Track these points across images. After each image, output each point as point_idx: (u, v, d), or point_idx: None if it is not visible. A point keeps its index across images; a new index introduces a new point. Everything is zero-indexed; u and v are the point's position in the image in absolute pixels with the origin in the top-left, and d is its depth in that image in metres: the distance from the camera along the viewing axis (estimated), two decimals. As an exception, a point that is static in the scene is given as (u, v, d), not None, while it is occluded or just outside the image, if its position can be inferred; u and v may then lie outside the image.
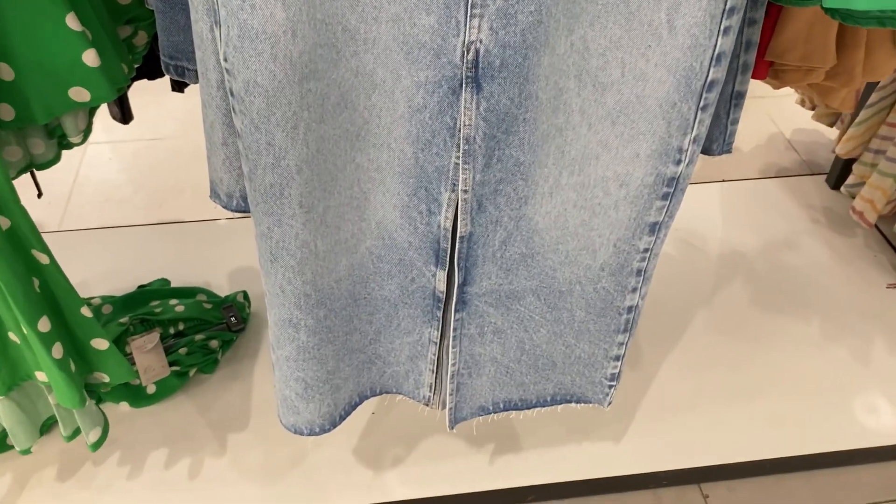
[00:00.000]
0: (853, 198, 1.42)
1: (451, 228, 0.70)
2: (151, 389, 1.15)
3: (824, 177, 1.65)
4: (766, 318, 1.33)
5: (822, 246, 1.47)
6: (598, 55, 0.60)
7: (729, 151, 0.78)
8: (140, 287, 1.34)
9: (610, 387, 0.88)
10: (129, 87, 1.02)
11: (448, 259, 0.73)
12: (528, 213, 0.70)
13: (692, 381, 1.21)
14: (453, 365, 0.82)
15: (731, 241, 1.49)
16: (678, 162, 0.67)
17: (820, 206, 1.57)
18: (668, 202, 0.70)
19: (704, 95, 0.62)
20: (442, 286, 0.76)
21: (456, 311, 0.77)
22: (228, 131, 0.68)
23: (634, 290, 0.78)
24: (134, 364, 1.14)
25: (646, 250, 0.75)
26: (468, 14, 0.56)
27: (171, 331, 1.22)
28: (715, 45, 0.59)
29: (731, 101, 0.74)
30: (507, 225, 0.70)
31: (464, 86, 0.60)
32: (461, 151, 0.63)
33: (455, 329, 0.79)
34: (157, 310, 1.25)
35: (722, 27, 0.58)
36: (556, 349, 0.84)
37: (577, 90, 0.62)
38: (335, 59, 0.59)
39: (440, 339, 0.82)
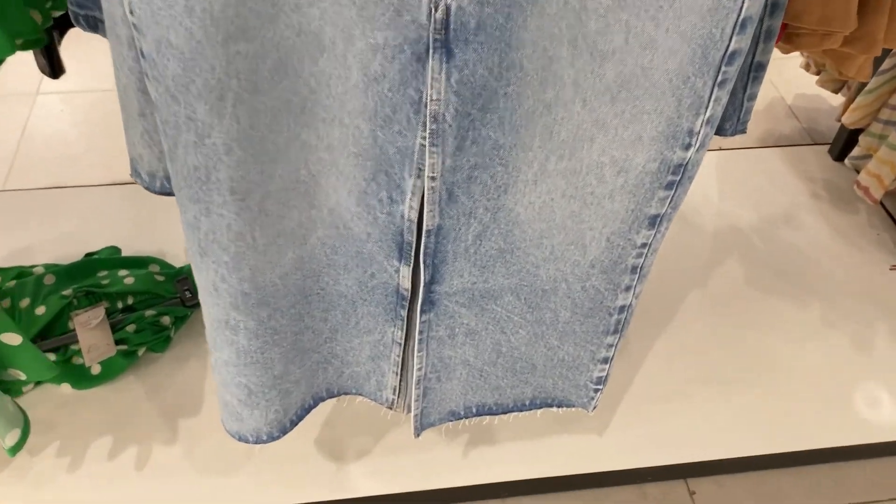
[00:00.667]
0: (858, 171, 1.36)
1: (416, 220, 0.59)
2: (96, 370, 1.07)
3: (827, 147, 1.57)
4: (761, 300, 1.26)
5: (822, 223, 1.40)
6: (597, 17, 0.49)
7: (744, 131, 0.67)
8: (87, 255, 1.25)
9: (596, 390, 0.79)
10: (60, 36, 0.89)
11: (413, 254, 0.62)
12: (508, 203, 0.59)
13: (680, 370, 1.15)
14: (419, 370, 0.72)
15: (725, 215, 1.41)
16: (687, 146, 0.56)
17: (821, 178, 1.50)
18: (672, 192, 0.60)
19: (723, 69, 0.52)
20: (406, 283, 0.65)
21: (422, 311, 0.67)
22: (145, 99, 0.56)
23: (628, 288, 0.68)
24: (76, 342, 1.05)
25: (643, 245, 0.64)
26: None
27: (119, 305, 1.13)
28: (741, 8, 0.48)
29: (750, 73, 0.64)
30: (482, 217, 0.59)
31: (431, 51, 0.48)
32: (428, 131, 0.52)
33: (421, 332, 0.69)
34: (105, 281, 1.17)
35: (751, -14, 0.47)
36: (536, 351, 0.74)
37: (570, 59, 0.51)
38: (271, 14, 0.47)
39: (405, 340, 0.71)
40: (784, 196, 1.45)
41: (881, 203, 1.43)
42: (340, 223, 0.62)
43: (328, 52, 0.50)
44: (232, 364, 0.67)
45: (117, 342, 1.06)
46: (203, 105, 0.49)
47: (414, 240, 0.61)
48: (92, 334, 1.05)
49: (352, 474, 1.00)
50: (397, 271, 0.64)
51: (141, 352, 1.09)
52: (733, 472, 1.08)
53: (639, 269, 0.67)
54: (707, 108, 0.54)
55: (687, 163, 0.57)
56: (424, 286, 0.64)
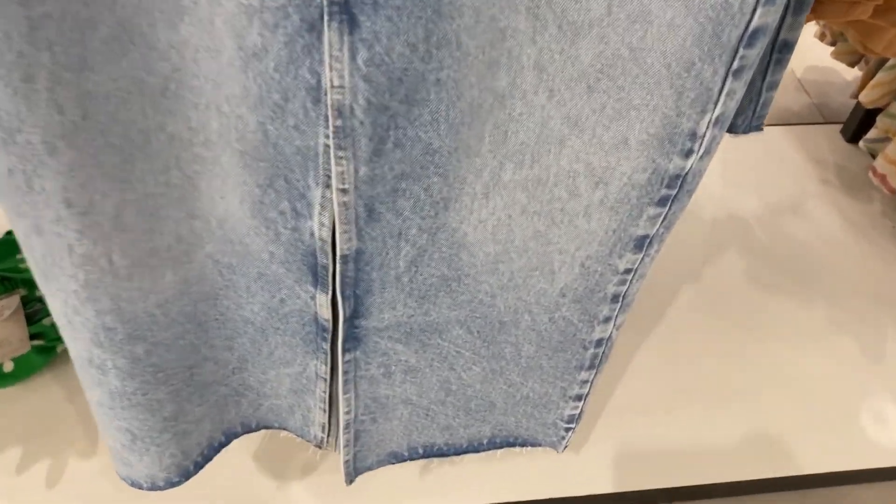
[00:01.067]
0: (873, 156, 1.26)
1: (330, 239, 0.46)
2: (8, 367, 0.97)
3: (839, 127, 1.46)
4: (761, 300, 1.16)
5: (832, 212, 1.30)
6: (568, -26, 0.35)
7: (759, 128, 0.53)
8: (8, 234, 1.12)
9: (567, 429, 0.67)
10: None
11: (330, 279, 0.48)
12: (451, 222, 0.45)
13: (668, 380, 1.05)
14: (347, 413, 0.59)
15: (725, 202, 1.31)
16: (688, 153, 0.43)
17: (832, 162, 1.39)
18: (665, 209, 0.46)
19: (741, 52, 0.38)
20: (326, 313, 0.51)
21: (345, 350, 0.53)
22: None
23: (607, 319, 0.55)
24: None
25: (627, 271, 0.51)
26: None
27: (38, 293, 1.01)
28: (771, -33, 0.34)
29: (773, 54, 0.50)
30: (416, 239, 0.46)
31: (327, 18, 0.34)
32: (331, 129, 0.38)
33: (346, 372, 0.55)
34: (23, 265, 1.06)
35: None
36: (494, 388, 0.61)
37: (530, 34, 0.37)
38: (97, -42, 0.33)
39: (331, 375, 0.58)
40: (790, 181, 1.35)
41: (898, 192, 1.32)
42: (235, 237, 0.48)
43: (190, 16, 0.36)
44: (107, 406, 0.53)
45: (33, 336, 0.97)
46: (3, 89, 0.34)
47: (330, 263, 0.47)
48: (4, 327, 0.95)
49: (295, 495, 0.90)
50: (313, 298, 0.50)
51: (60, 348, 0.99)
52: (725, 497, 0.99)
53: (621, 298, 0.53)
54: (716, 104, 0.40)
55: (686, 173, 0.44)
56: (346, 321, 0.50)
